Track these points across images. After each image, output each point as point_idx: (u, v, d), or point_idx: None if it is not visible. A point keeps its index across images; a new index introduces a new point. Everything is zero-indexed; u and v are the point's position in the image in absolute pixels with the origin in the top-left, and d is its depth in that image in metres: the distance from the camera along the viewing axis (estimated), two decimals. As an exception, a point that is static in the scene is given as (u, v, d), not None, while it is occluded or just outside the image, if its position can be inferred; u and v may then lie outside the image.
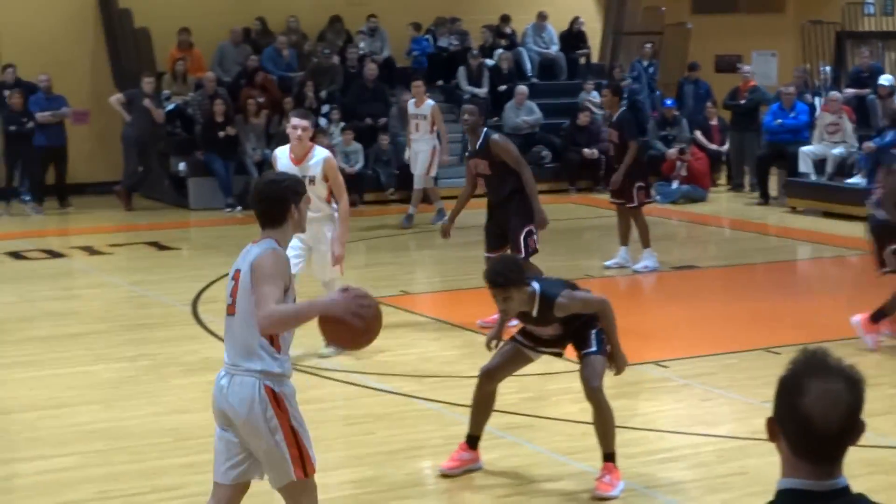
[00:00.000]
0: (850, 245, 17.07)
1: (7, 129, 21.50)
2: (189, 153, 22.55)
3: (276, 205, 6.06)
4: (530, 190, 11.95)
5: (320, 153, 11.04)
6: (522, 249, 11.78)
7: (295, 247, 10.53)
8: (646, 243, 15.54)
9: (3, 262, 17.07)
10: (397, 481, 8.28)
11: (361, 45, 25.19)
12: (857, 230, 15.86)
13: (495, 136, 12.18)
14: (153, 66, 23.37)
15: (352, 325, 5.88)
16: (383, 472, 8.41)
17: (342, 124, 22.68)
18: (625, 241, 15.63)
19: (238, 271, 6.03)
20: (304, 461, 6.01)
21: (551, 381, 10.43)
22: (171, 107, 22.98)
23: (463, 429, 8.52)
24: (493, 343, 8.48)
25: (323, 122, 22.65)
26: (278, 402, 5.94)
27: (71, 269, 16.88)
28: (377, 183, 22.21)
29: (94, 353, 11.90)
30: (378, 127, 23.09)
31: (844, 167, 20.98)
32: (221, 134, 21.84)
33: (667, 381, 10.73)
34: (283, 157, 11.04)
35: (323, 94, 23.59)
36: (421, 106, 19.62)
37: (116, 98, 22.26)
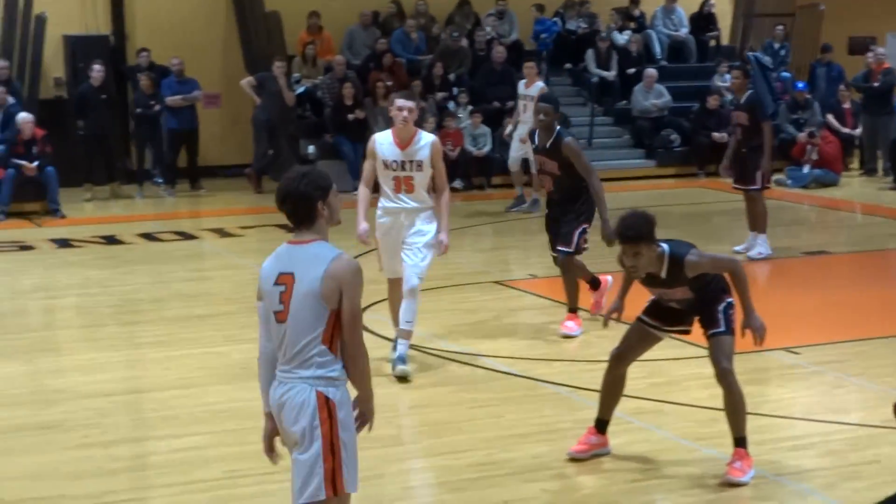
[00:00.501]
0: None
1: (135, 111, 21.82)
2: (318, 136, 22.74)
3: (303, 204, 5.77)
4: (598, 199, 11.38)
5: (427, 137, 10.35)
6: (574, 245, 11.49)
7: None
8: (762, 228, 15.33)
9: (137, 244, 17.36)
10: (525, 464, 8.27)
11: (489, 27, 25.17)
12: None
13: (568, 139, 11.54)
14: (284, 50, 23.55)
15: None
16: (511, 456, 8.41)
17: (470, 107, 22.72)
18: (755, 226, 15.45)
19: (290, 276, 5.73)
20: (335, 478, 5.73)
21: (681, 366, 10.35)
22: (300, 90, 23.17)
23: (591, 413, 8.49)
24: (615, 315, 8.40)
25: (451, 105, 22.71)
26: (329, 409, 5.73)
27: (202, 250, 17.11)
28: (504, 166, 22.20)
29: (223, 334, 12.04)
30: (506, 110, 23.05)
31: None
32: (350, 117, 21.99)
33: (798, 367, 10.59)
34: (384, 143, 10.31)
35: (451, 76, 23.63)
36: (531, 87, 19.46)
37: (247, 81, 22.48)
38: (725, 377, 7.84)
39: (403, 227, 10.37)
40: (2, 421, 9.30)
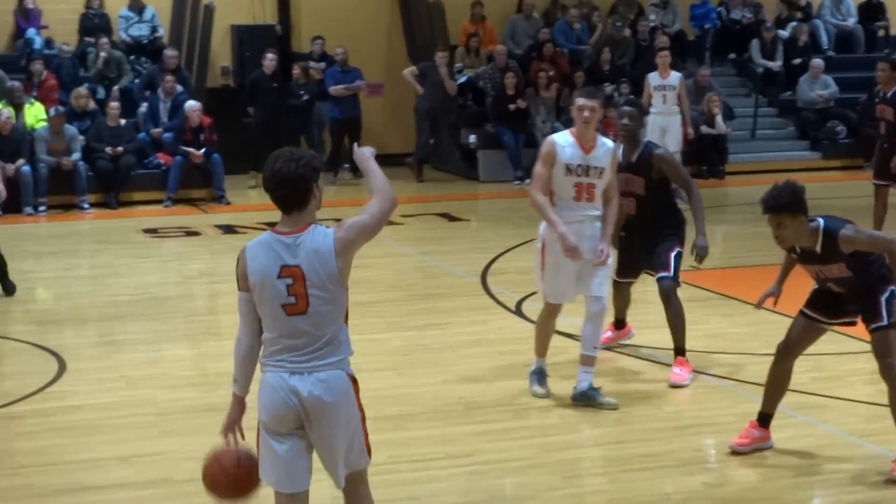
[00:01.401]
0: None
1: (287, 100, 22.07)
2: (479, 126, 22.80)
3: (300, 187, 5.67)
4: (699, 212, 9.91)
5: (607, 142, 9.34)
6: (673, 269, 9.96)
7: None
8: (881, 226, 14.65)
9: (300, 231, 17.56)
10: (686, 457, 8.21)
11: (652, 17, 25.00)
12: None
13: (660, 150, 10.04)
14: (446, 40, 23.66)
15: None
16: (672, 448, 8.36)
17: (632, 97, 22.59)
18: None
19: (297, 268, 5.71)
20: (367, 444, 5.91)
21: (845, 361, 10.20)
22: (462, 79, 23.25)
23: (754, 406, 8.39)
24: (773, 300, 8.29)
25: (614, 95, 22.61)
26: (356, 387, 5.88)
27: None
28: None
29: (385, 321, 12.14)
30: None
31: None
32: (512, 107, 22.01)
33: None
34: (567, 146, 9.16)
35: (614, 65, 23.54)
36: (667, 77, 19.26)
37: (410, 71, 22.62)
38: (889, 373, 7.70)
39: (584, 240, 9.15)
40: (171, 403, 9.49)
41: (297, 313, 5.72)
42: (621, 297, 10.65)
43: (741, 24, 25.52)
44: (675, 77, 19.15)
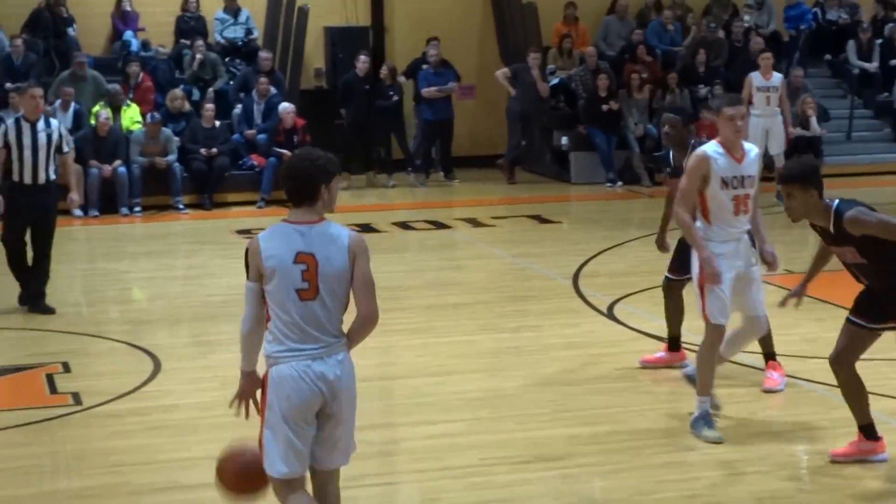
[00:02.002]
0: None
1: (375, 102, 22.11)
2: (571, 127, 22.74)
3: (306, 183, 6.05)
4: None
5: (752, 147, 8.93)
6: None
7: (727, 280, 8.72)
8: None
9: (392, 233, 17.66)
10: (780, 462, 8.16)
11: (747, 17, 24.81)
12: None
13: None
14: (539, 41, 23.62)
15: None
16: (765, 453, 8.30)
17: (676, 105, 22.49)
18: None
19: (311, 255, 5.98)
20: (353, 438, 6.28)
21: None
22: (555, 81, 23.21)
23: (848, 412, 8.28)
24: (794, 301, 8.29)
25: (707, 96, 22.49)
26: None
27: (455, 240, 17.30)
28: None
29: (477, 322, 12.16)
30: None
31: None
32: (604, 108, 21.93)
33: None
34: (719, 157, 8.65)
35: (708, 66, 23.39)
36: (770, 78, 19.08)
37: (502, 72, 22.61)
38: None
39: (741, 256, 8.85)
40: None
41: (309, 299, 6.00)
42: (675, 304, 10.23)
43: (837, 24, 25.25)
44: (777, 78, 19.05)
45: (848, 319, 8.01)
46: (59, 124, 12.97)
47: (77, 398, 9.76)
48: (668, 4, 24.97)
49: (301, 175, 6.07)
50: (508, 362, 10.70)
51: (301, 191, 6.07)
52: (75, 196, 13.24)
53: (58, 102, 20.36)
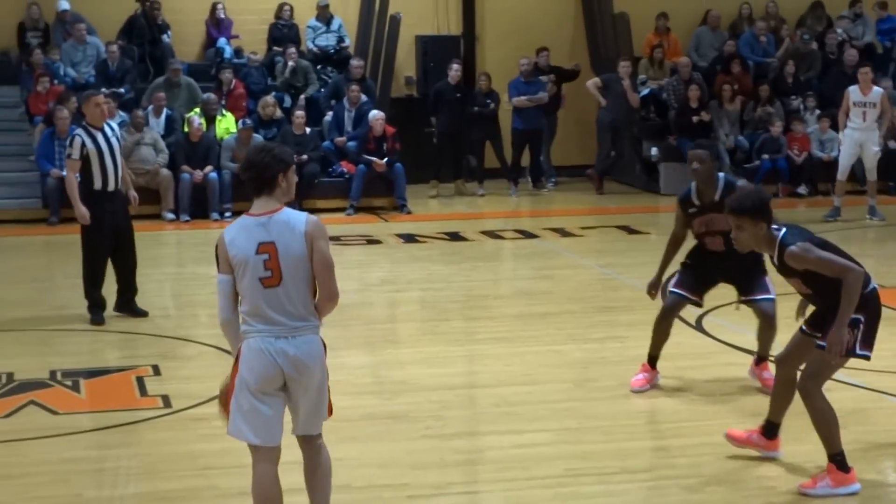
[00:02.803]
0: None
1: (472, 110, 22.12)
2: (662, 138, 22.64)
3: (264, 173, 6.43)
4: None
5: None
6: (771, 291, 9.78)
7: None
8: None
9: (480, 241, 17.67)
10: (869, 479, 8.04)
11: (840, 30, 24.56)
12: None
13: (741, 181, 10.03)
14: (630, 51, 23.54)
15: None
16: (857, 468, 8.19)
17: (818, 111, 22.25)
18: None
19: (272, 244, 6.35)
20: (329, 404, 6.73)
21: None
22: (645, 91, 23.12)
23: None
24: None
25: (799, 108, 22.32)
26: (325, 351, 6.61)
27: (543, 249, 17.26)
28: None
29: (565, 332, 12.13)
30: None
31: None
32: (695, 119, 21.80)
33: None
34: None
35: (800, 80, 23.18)
36: (868, 93, 18.76)
37: (593, 82, 22.56)
38: (806, 392, 7.77)
39: None
40: (350, 409, 9.57)
41: (273, 286, 6.39)
42: (667, 325, 10.06)
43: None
44: (876, 93, 18.74)
45: (801, 328, 8.13)
46: (115, 126, 13.10)
47: (166, 401, 9.86)
48: (761, 15, 24.77)
49: (259, 166, 6.45)
50: (596, 373, 10.65)
51: (260, 181, 6.45)
52: (134, 193, 13.14)
53: (150, 108, 20.59)
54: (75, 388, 10.39)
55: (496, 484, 8.09)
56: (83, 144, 12.44)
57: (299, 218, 6.45)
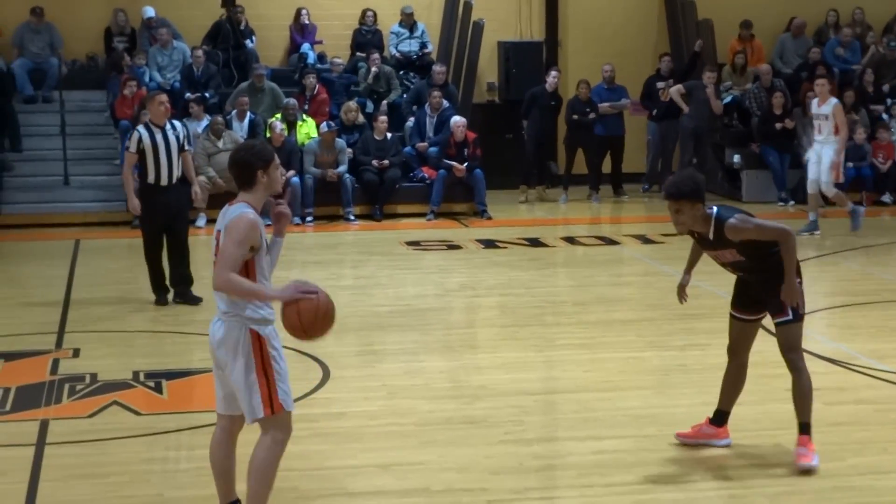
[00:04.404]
0: None
1: (570, 117, 22.15)
2: (744, 145, 22.52)
3: (244, 169, 6.81)
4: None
5: None
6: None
7: None
8: None
9: (560, 248, 17.66)
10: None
11: (928, 37, 24.32)
12: None
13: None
14: (714, 58, 23.43)
15: (296, 314, 6.83)
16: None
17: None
18: None
19: (219, 232, 6.79)
20: (272, 400, 6.76)
21: None
22: (728, 98, 23.00)
23: None
24: (684, 290, 8.81)
25: (884, 116, 22.09)
26: (261, 343, 6.78)
27: (623, 256, 17.23)
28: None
29: (645, 339, 12.10)
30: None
31: None
32: (778, 126, 21.66)
33: None
34: None
35: (885, 87, 22.95)
36: (823, 106, 17.96)
37: (676, 89, 22.46)
38: (793, 365, 8.29)
39: None
40: (430, 413, 9.62)
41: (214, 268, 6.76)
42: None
43: None
44: (829, 105, 17.88)
45: (731, 315, 8.58)
46: (183, 125, 13.87)
47: (247, 403, 9.92)
48: (847, 22, 24.56)
49: (239, 162, 6.84)
50: (675, 380, 10.62)
51: (241, 176, 6.84)
52: (198, 189, 13.98)
53: (234, 112, 20.76)
54: (157, 388, 10.50)
55: (574, 490, 8.08)
56: (140, 139, 13.28)
57: (233, 212, 6.77)
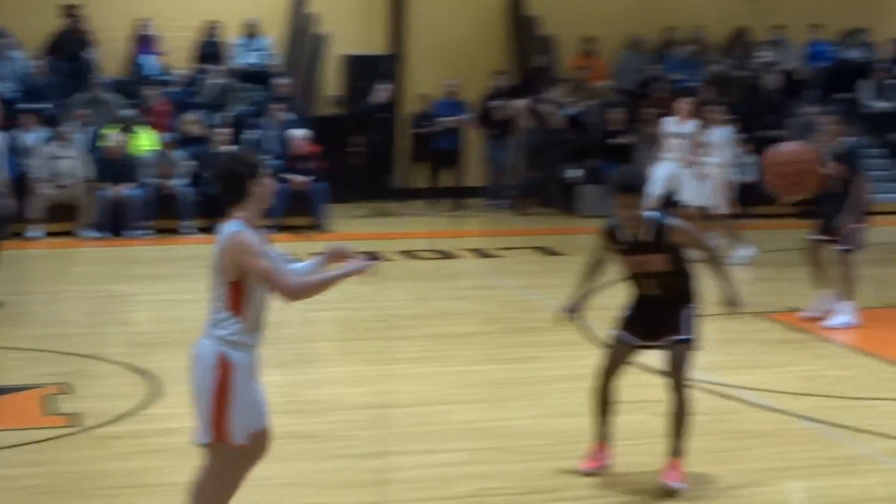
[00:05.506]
0: None
1: (412, 130, 22.20)
2: (583, 160, 22.78)
3: (231, 180, 6.29)
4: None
5: None
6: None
7: None
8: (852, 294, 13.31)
9: (399, 262, 17.69)
10: (774, 499, 8.14)
11: (762, 54, 24.85)
12: None
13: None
14: (556, 74, 23.67)
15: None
16: (760, 490, 8.28)
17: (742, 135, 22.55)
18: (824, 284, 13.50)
19: (218, 254, 6.36)
20: (219, 427, 6.33)
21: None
22: (569, 113, 23.26)
23: (845, 450, 8.34)
24: (573, 316, 8.62)
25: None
26: (225, 367, 6.33)
27: (462, 270, 17.30)
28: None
29: (481, 353, 12.17)
30: (775, 139, 22.75)
31: None
32: (613, 142, 21.96)
33: None
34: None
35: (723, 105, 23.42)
36: (685, 124, 18.12)
37: (518, 104, 22.65)
38: (681, 385, 8.09)
39: None
40: (264, 428, 9.56)
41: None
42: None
43: (853, 63, 25.29)
44: (690, 126, 17.98)
45: (615, 336, 8.39)
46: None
47: (77, 419, 9.78)
48: (686, 40, 25.01)
49: (225, 174, 6.34)
50: (511, 393, 10.70)
51: (229, 189, 6.32)
52: (7, 202, 13.97)
53: (74, 123, 20.46)
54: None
55: (409, 503, 8.10)
56: None
57: (229, 230, 6.31)
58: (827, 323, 13.13)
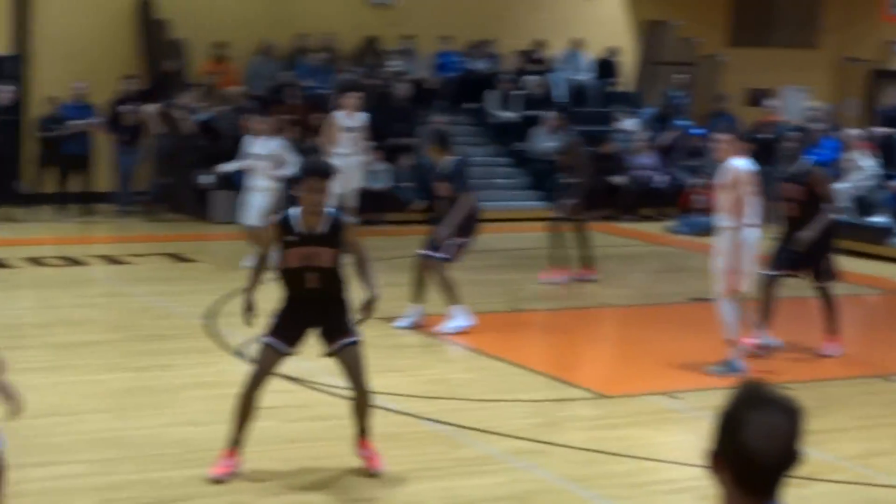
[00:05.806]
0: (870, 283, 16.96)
1: (39, 133, 21.64)
2: (214, 166, 22.58)
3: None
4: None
5: None
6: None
7: None
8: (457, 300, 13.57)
9: (24, 269, 17.13)
10: (404, 501, 8.24)
11: (393, 64, 25.25)
12: (882, 270, 15.74)
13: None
14: (187, 78, 23.44)
15: None
16: (388, 492, 8.39)
17: (372, 143, 22.83)
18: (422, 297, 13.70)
19: None
20: None
21: (564, 407, 10.39)
22: (200, 118, 23.05)
23: (473, 451, 8.54)
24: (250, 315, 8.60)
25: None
26: None
27: (90, 277, 16.89)
28: (401, 203, 22.30)
29: (107, 361, 11.93)
30: (406, 146, 23.17)
31: (864, 205, 20.91)
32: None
33: (677, 412, 10.67)
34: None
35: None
36: (353, 117, 19.18)
37: (148, 109, 22.32)
38: (364, 383, 8.46)
39: None
40: None
41: None
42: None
43: (479, 74, 25.97)
44: (360, 118, 19.38)
45: (266, 342, 8.44)
46: None
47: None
48: (317, 47, 25.15)
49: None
50: (137, 402, 10.50)
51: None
52: None
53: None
54: None
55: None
56: None
57: None
58: (441, 328, 13.30)
